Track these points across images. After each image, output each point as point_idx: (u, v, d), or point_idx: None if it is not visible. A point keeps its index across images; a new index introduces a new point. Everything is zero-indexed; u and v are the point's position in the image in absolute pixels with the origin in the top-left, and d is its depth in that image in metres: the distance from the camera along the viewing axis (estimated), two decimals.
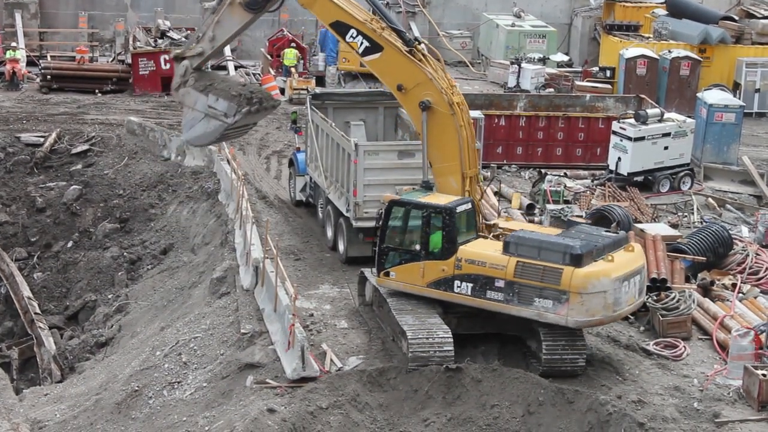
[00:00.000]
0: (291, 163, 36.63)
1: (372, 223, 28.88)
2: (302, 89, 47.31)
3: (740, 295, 28.99)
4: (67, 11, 57.98)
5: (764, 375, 23.68)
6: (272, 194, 37.26)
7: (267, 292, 27.89)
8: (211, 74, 29.00)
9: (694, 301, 27.58)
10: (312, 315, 27.59)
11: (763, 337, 25.49)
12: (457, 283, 25.11)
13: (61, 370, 32.63)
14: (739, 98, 46.29)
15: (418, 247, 25.73)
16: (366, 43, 26.02)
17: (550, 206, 33.82)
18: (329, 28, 26.79)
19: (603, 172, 38.84)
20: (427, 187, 26.49)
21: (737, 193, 38.88)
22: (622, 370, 25.29)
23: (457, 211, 25.40)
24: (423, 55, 25.95)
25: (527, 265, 24.16)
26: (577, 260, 23.77)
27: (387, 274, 26.22)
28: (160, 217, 38.74)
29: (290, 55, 50.91)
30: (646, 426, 22.95)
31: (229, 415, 23.87)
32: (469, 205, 25.75)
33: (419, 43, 25.94)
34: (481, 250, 25.00)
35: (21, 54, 51.26)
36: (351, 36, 26.13)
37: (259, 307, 28.18)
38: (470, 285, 24.95)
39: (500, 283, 24.48)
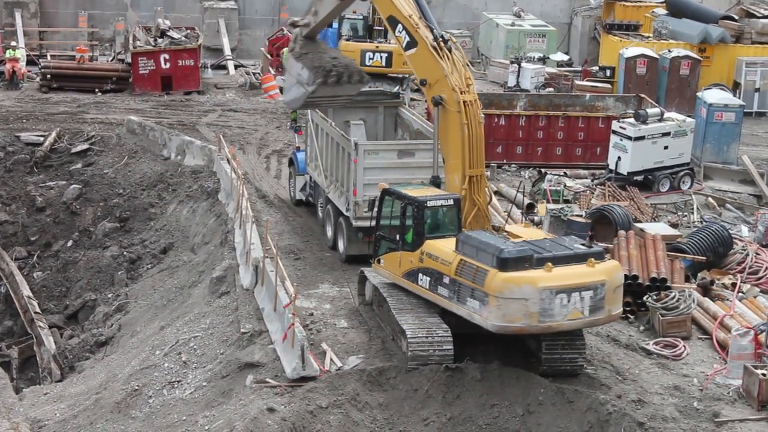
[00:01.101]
0: (291, 163, 36.63)
1: (371, 223, 29.10)
2: None
3: (740, 294, 29.01)
4: (67, 10, 58.05)
5: (764, 374, 23.69)
6: (272, 193, 37.26)
7: (267, 292, 27.90)
8: (316, 44, 29.96)
9: (693, 301, 27.58)
10: (312, 314, 27.60)
11: (762, 336, 25.50)
12: (420, 275, 25.36)
13: (61, 369, 32.64)
14: (739, 98, 46.31)
15: (398, 236, 26.19)
16: (407, 38, 26.53)
17: (550, 206, 33.82)
18: (385, 21, 27.36)
19: (603, 171, 38.84)
20: (435, 182, 26.61)
21: (737, 192, 38.89)
22: (621, 369, 25.29)
23: (428, 205, 25.56)
24: (447, 51, 26.11)
25: (466, 264, 24.07)
26: (503, 264, 23.38)
27: (379, 262, 26.68)
28: (159, 216, 38.74)
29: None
30: (645, 425, 22.96)
31: (228, 414, 23.87)
32: (450, 201, 25.81)
33: (446, 41, 26.13)
34: (441, 246, 25.03)
35: (21, 53, 51.28)
36: (398, 30, 26.74)
37: (259, 306, 28.19)
38: (428, 279, 25.13)
39: (446, 280, 24.56)
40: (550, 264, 23.49)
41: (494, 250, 23.59)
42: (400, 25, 26.61)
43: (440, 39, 26.08)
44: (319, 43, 30.17)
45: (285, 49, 29.97)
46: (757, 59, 49.76)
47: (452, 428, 23.71)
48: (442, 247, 24.93)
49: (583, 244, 24.54)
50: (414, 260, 25.50)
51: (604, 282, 23.79)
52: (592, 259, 23.89)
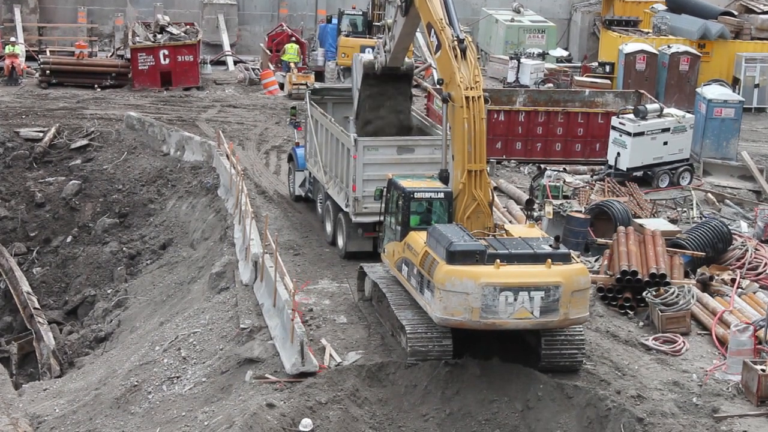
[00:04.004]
0: (290, 158, 36.62)
1: (371, 219, 29.36)
2: (301, 84, 47.30)
3: (739, 290, 29.01)
4: (66, 6, 58.00)
5: (763, 370, 23.70)
6: (271, 189, 37.26)
7: (266, 287, 27.91)
8: (385, 94, 31.39)
9: (693, 297, 27.61)
10: (311, 310, 27.60)
11: (761, 332, 25.50)
12: (403, 265, 25.60)
13: (61, 365, 32.64)
14: (739, 93, 46.29)
15: (393, 227, 26.52)
16: (437, 42, 26.84)
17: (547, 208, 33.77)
18: (424, 27, 27.70)
19: (602, 167, 38.83)
20: (442, 176, 26.69)
21: (736, 188, 38.88)
22: (621, 365, 25.31)
23: (415, 196, 25.75)
24: (461, 51, 26.25)
25: (428, 255, 24.24)
26: (450, 257, 23.47)
27: (384, 251, 27.03)
28: (159, 212, 38.74)
29: (291, 51, 50.82)
30: (645, 421, 22.97)
31: (228, 409, 23.88)
32: (440, 195, 25.93)
33: (461, 41, 26.29)
34: (417, 238, 25.16)
35: (20, 49, 51.23)
36: (432, 35, 27.02)
37: (258, 302, 28.20)
38: (406, 269, 25.38)
39: (415, 270, 24.77)
40: (498, 261, 23.48)
41: (446, 243, 23.72)
42: (432, 30, 26.95)
43: (456, 39, 26.29)
44: (389, 97, 31.28)
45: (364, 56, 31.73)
46: (756, 55, 49.73)
47: (451, 424, 23.72)
48: (418, 239, 25.15)
49: (549, 245, 24.31)
50: (400, 250, 25.81)
51: (558, 284, 23.52)
52: (550, 260, 23.72)
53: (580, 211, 32.45)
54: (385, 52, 30.54)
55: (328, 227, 32.55)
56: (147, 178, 40.64)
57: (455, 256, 23.47)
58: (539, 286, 23.47)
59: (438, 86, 27.37)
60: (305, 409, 23.30)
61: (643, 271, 28.25)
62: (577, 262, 24.65)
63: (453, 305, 23.39)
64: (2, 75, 50.08)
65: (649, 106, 38.59)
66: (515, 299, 23.37)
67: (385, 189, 27.17)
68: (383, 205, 27.23)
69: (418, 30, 29.55)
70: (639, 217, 33.33)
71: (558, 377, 24.29)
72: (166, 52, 49.57)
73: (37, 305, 35.64)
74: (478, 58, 55.23)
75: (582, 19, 59.13)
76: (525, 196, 35.36)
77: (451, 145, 26.47)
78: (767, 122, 48.08)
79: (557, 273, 23.63)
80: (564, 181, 35.49)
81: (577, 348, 24.69)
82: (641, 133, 37.73)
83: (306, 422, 22.55)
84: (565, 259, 24.06)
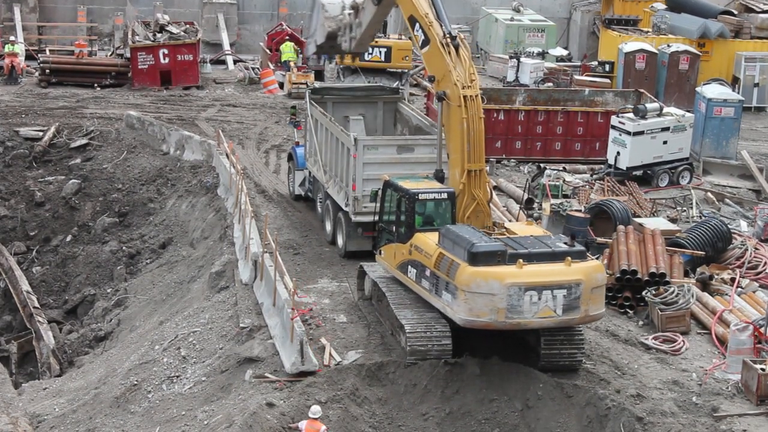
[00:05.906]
0: (290, 158, 36.62)
1: (370, 218, 29.18)
2: (301, 84, 47.26)
3: (739, 289, 29.02)
4: (66, 5, 57.96)
5: (763, 369, 23.71)
6: (271, 188, 37.25)
7: (266, 286, 27.92)
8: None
9: (692, 296, 27.62)
10: (311, 309, 27.60)
11: (763, 330, 25.51)
12: (409, 267, 25.47)
13: (60, 364, 32.65)
14: (738, 92, 46.29)
15: (394, 228, 26.41)
16: (423, 36, 26.79)
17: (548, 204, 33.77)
18: (406, 21, 27.68)
19: (602, 166, 38.84)
20: (438, 176, 26.67)
21: (736, 187, 38.89)
22: (620, 364, 25.32)
23: (420, 198, 25.69)
24: (455, 47, 26.24)
25: (444, 257, 24.13)
26: (473, 258, 23.37)
27: (380, 253, 26.95)
28: (159, 211, 38.74)
29: (287, 49, 50.76)
30: (644, 420, 22.99)
31: (228, 409, 23.89)
32: (443, 195, 25.90)
33: (453, 38, 26.26)
34: (427, 239, 25.08)
35: (20, 48, 51.20)
36: (416, 29, 27.01)
37: (258, 301, 28.21)
38: (415, 271, 25.27)
39: (428, 272, 24.66)
40: (521, 260, 23.44)
41: (466, 244, 23.62)
42: (417, 24, 26.87)
43: (448, 36, 26.25)
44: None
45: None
46: (756, 54, 49.74)
47: (451, 423, 23.73)
48: (428, 240, 25.05)
49: (565, 243, 24.31)
50: (405, 252, 25.67)
51: (579, 281, 23.57)
52: (569, 258, 23.73)
53: (580, 210, 32.45)
54: (350, 38, 30.19)
55: (328, 226, 32.55)
56: (147, 177, 40.63)
57: (478, 258, 23.37)
58: (562, 284, 23.51)
59: (430, 83, 27.36)
60: (305, 408, 23.29)
61: (642, 271, 28.26)
62: (593, 259, 24.69)
63: (478, 307, 23.29)
64: (2, 74, 50.05)
65: (649, 105, 38.59)
66: (539, 298, 23.38)
67: (380, 191, 27.09)
68: (379, 207, 27.12)
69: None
70: (639, 217, 33.33)
71: (557, 376, 24.30)
72: (166, 51, 49.55)
73: (36, 304, 35.64)
74: (477, 57, 55.58)
75: (582, 18, 59.11)
76: (525, 195, 35.38)
77: (446, 144, 26.44)
78: (767, 121, 48.09)
79: (578, 270, 23.68)
80: (564, 180, 35.49)
81: (577, 347, 24.70)
82: (641, 132, 37.74)
83: (315, 409, 22.54)
84: (582, 256, 24.14)
